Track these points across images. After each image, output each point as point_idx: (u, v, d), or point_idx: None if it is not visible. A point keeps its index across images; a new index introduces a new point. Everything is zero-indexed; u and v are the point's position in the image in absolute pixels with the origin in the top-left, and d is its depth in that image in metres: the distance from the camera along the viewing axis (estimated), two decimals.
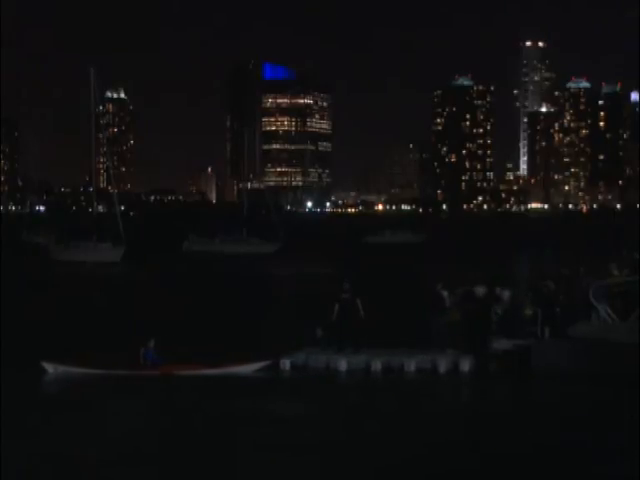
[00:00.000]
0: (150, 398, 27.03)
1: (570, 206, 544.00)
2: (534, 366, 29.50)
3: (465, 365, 29.97)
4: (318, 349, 31.36)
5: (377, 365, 30.15)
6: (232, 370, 29.81)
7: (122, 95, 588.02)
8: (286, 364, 30.42)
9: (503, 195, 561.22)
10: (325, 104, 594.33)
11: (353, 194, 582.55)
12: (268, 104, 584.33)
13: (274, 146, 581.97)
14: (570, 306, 31.14)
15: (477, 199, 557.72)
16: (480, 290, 31.98)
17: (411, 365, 30.03)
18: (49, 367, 29.92)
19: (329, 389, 28.34)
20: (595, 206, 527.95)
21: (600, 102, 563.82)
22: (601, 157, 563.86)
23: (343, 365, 30.24)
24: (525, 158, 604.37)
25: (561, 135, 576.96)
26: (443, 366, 29.91)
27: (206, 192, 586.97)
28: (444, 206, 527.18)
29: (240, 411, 24.98)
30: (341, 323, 31.46)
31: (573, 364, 29.16)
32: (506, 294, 31.80)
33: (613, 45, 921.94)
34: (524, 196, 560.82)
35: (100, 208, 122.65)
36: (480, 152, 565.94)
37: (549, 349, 29.92)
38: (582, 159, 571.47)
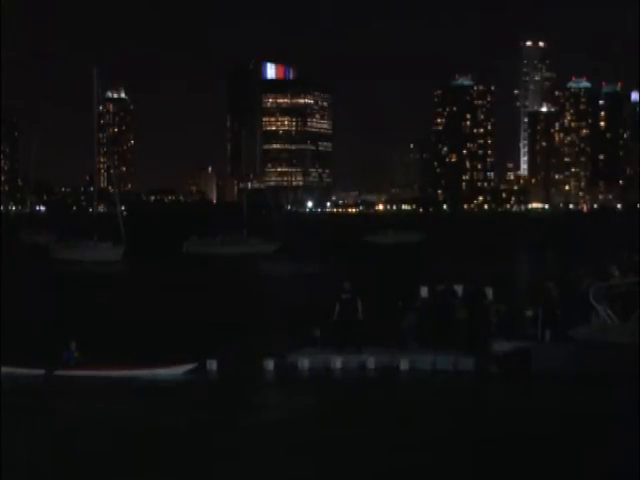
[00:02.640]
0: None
1: (570, 206, 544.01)
2: (534, 369, 29.47)
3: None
4: (316, 349, 31.37)
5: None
6: (158, 372, 29.75)
7: (122, 95, 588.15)
8: (213, 365, 30.41)
9: (504, 195, 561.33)
10: (325, 104, 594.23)
11: (353, 194, 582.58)
12: (268, 104, 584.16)
13: (274, 146, 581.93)
14: (571, 307, 31.11)
15: (477, 199, 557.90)
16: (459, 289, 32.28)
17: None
18: None
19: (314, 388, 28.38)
20: (595, 206, 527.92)
21: (600, 102, 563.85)
22: (601, 157, 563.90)
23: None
24: (525, 158, 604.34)
25: (561, 135, 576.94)
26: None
27: (206, 192, 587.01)
28: (444, 206, 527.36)
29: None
30: (342, 323, 31.49)
31: (574, 366, 29.11)
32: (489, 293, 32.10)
33: (613, 45, 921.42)
34: (524, 196, 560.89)
35: (100, 208, 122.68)
36: (480, 152, 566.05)
37: (550, 351, 29.89)
38: (582, 159, 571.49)
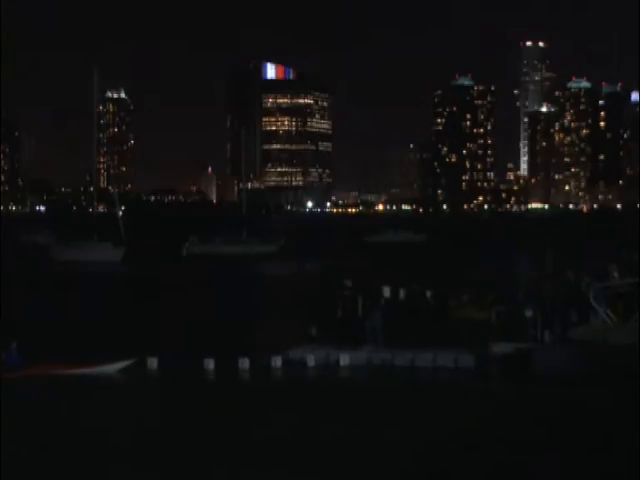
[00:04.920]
0: None
1: (570, 206, 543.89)
2: (534, 369, 29.41)
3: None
4: (316, 346, 31.38)
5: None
6: (96, 370, 29.84)
7: (122, 95, 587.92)
8: (153, 362, 30.41)
9: (503, 195, 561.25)
10: (325, 104, 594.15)
11: (353, 194, 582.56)
12: (268, 104, 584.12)
13: (274, 146, 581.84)
14: (570, 308, 31.07)
15: (477, 199, 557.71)
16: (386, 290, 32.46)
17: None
18: None
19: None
20: (595, 206, 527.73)
21: (600, 102, 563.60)
22: (601, 157, 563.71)
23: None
24: (525, 158, 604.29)
25: (561, 135, 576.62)
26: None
27: (206, 192, 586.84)
28: (444, 206, 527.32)
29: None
30: (342, 321, 31.56)
31: (574, 367, 29.08)
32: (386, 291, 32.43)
33: (613, 44, 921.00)
34: (524, 196, 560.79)
35: (100, 208, 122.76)
36: (480, 152, 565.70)
37: (549, 352, 29.85)
38: (582, 159, 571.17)
